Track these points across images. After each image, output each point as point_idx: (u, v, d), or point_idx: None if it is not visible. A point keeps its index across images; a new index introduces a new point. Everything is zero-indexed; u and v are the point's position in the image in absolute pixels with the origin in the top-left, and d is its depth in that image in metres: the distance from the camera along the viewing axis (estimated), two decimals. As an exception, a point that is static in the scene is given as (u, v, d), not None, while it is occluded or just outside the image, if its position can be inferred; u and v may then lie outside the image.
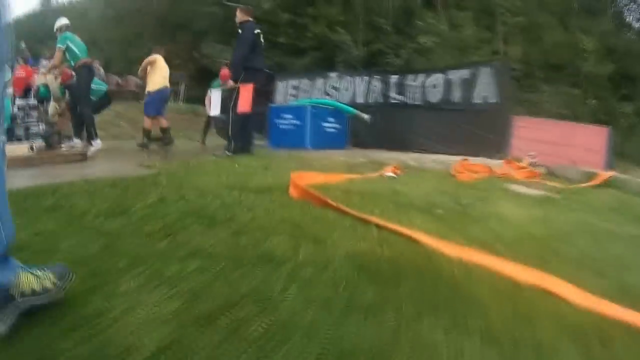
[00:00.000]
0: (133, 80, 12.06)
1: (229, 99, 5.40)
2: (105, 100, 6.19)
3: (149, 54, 6.32)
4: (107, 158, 4.82)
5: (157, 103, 6.18)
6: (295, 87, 10.02)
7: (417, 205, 2.60)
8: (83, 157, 4.62)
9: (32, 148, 4.63)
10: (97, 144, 5.23)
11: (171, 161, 4.41)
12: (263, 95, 7.39)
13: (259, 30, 5.25)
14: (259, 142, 6.68)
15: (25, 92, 7.26)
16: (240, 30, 5.21)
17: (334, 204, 2.26)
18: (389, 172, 4.21)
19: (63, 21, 5.53)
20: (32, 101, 6.93)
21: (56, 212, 1.96)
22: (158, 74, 6.15)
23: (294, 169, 3.53)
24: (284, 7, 15.77)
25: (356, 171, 4.24)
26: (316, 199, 2.38)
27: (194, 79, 15.03)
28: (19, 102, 6.95)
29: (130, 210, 2.00)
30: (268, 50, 7.08)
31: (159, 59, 6.19)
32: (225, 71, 6.94)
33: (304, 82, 9.94)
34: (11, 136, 6.40)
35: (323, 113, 7.62)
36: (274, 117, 7.61)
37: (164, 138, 6.16)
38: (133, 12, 16.33)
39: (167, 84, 6.26)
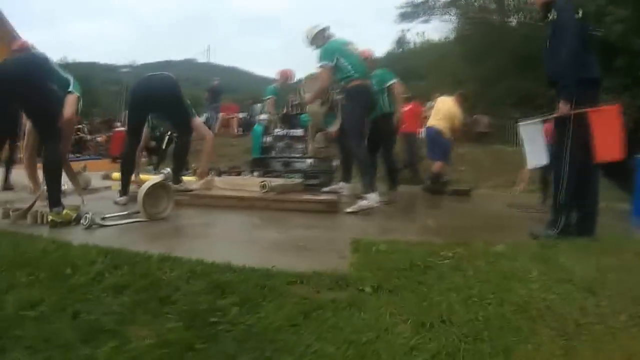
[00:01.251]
0: (484, 119, 11.47)
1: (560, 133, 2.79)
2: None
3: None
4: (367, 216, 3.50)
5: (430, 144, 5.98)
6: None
7: None
8: (331, 206, 3.74)
9: (264, 186, 3.95)
10: (372, 199, 3.59)
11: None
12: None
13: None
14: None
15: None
16: (551, 14, 2.80)
17: None
18: None
19: (317, 28, 4.09)
20: (297, 131, 5.50)
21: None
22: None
23: None
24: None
25: None
26: None
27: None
28: (278, 131, 5.54)
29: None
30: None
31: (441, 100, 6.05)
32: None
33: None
34: (262, 169, 5.21)
35: None
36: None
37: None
38: (491, 50, 14.88)
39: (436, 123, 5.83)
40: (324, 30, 4.09)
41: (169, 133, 7.51)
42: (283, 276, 1.74)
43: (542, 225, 2.93)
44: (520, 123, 3.26)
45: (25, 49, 3.79)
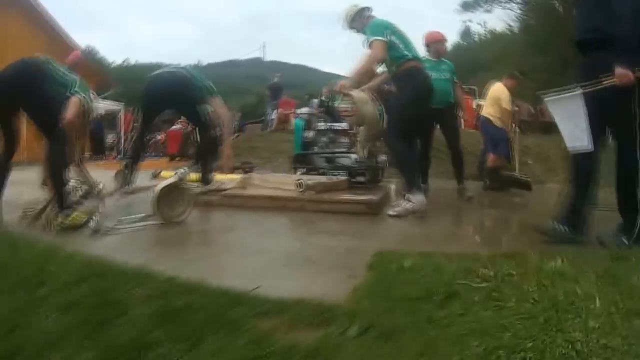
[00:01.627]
0: (526, 107, 11.00)
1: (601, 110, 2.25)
2: None
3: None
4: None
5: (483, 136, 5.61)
6: None
7: None
8: (371, 207, 3.34)
9: (300, 185, 3.61)
10: (417, 200, 3.16)
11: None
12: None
13: None
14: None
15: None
16: None
17: None
18: None
19: (357, 7, 3.58)
20: (343, 124, 5.03)
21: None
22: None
23: None
24: None
25: None
26: None
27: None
28: (321, 125, 5.08)
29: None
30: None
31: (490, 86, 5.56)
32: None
33: None
34: (305, 166, 4.79)
35: None
36: None
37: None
38: (556, 38, 14.69)
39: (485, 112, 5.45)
40: (364, 10, 3.60)
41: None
42: (256, 303, 1.40)
43: (612, 230, 2.31)
44: (549, 97, 2.54)
45: (78, 59, 3.93)
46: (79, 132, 2.82)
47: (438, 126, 4.48)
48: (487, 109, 5.37)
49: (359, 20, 3.58)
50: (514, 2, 16.71)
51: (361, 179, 4.37)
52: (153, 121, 4.27)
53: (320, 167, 4.76)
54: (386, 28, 3.33)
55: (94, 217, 2.59)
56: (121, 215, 2.88)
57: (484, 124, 5.33)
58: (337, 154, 4.77)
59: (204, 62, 45.67)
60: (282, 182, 3.98)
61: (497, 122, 5.20)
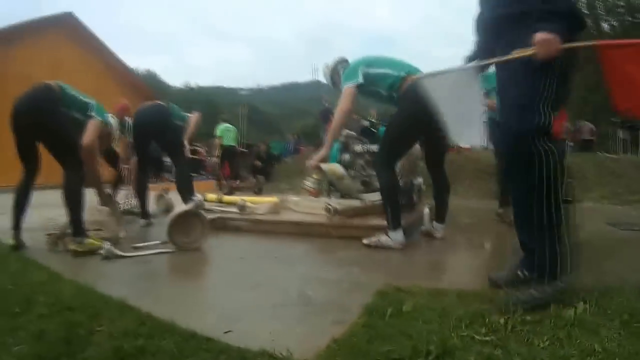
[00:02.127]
0: (587, 127, 11.03)
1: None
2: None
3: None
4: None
5: None
6: None
7: None
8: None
9: (329, 209, 3.47)
10: (396, 238, 2.90)
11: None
12: None
13: None
14: None
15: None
16: None
17: None
18: None
19: (333, 63, 3.45)
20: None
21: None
22: None
23: None
24: None
25: None
26: None
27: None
28: (358, 147, 4.73)
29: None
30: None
31: None
32: None
33: None
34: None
35: None
36: None
37: None
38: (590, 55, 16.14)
39: None
40: (336, 65, 3.40)
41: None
42: (218, 350, 1.28)
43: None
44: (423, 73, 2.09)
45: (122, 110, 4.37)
46: (92, 157, 2.88)
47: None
48: None
49: (336, 77, 3.37)
50: None
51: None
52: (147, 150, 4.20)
53: (355, 191, 4.62)
54: (359, 65, 3.03)
55: (106, 244, 2.62)
56: (139, 241, 2.90)
57: None
58: (373, 177, 4.62)
59: (264, 85, 47.53)
60: (315, 206, 3.86)
61: None
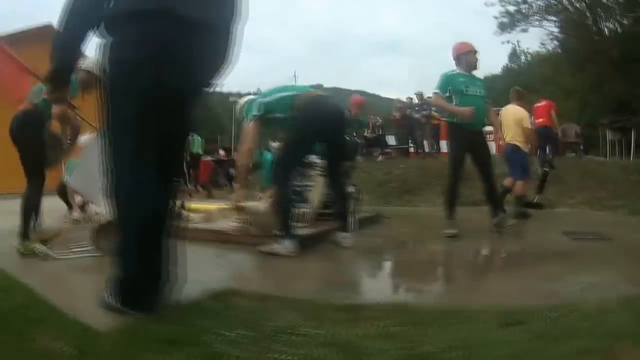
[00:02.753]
0: (572, 129, 10.40)
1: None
2: None
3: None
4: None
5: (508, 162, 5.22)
6: None
7: None
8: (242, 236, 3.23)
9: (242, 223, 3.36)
10: (286, 246, 2.91)
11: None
12: None
13: None
14: None
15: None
16: None
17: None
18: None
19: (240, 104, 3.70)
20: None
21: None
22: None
23: None
24: None
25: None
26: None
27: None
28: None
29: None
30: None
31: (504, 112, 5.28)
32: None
33: None
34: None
35: None
36: None
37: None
38: (592, 55, 14.58)
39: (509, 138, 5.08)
40: (251, 100, 3.45)
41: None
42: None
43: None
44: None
45: None
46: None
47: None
48: (511, 134, 5.03)
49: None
50: (548, 20, 16.03)
51: (327, 211, 4.06)
52: None
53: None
54: (256, 100, 3.17)
55: (39, 247, 2.81)
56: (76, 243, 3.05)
57: (513, 152, 5.02)
58: (305, 187, 4.40)
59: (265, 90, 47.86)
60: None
61: (524, 147, 5.06)
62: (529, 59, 21.93)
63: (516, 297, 2.00)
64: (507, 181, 5.14)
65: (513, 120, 5.02)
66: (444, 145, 10.36)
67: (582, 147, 10.28)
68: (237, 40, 1.75)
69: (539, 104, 7.52)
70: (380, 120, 10.31)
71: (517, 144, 5.02)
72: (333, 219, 3.64)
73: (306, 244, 3.08)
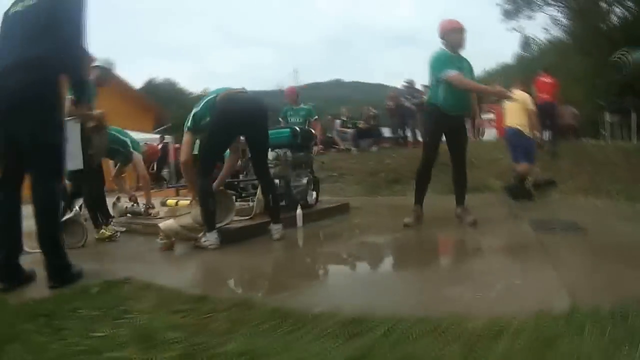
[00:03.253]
0: (568, 110, 10.01)
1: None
2: None
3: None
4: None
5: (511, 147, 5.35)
6: None
7: None
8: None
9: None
10: (211, 239, 3.06)
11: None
12: None
13: None
14: None
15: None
16: None
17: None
18: None
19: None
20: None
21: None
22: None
23: None
24: None
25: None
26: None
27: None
28: None
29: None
30: None
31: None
32: None
33: None
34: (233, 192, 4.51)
35: None
36: None
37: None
38: (597, 40, 14.39)
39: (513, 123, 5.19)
40: None
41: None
42: None
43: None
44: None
45: None
46: None
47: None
48: (515, 119, 5.19)
49: None
50: (554, 6, 15.50)
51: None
52: None
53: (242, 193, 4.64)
54: (193, 108, 3.32)
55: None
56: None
57: (516, 136, 5.14)
58: (250, 181, 4.52)
59: (285, 87, 47.75)
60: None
61: (527, 131, 5.11)
62: (541, 46, 21.36)
63: (390, 304, 1.74)
64: (517, 167, 5.15)
65: (516, 104, 4.96)
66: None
67: (575, 130, 10.01)
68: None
69: (545, 79, 7.40)
70: (374, 111, 10.24)
71: (520, 128, 5.06)
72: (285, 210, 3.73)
73: (236, 237, 3.21)
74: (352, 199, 6.49)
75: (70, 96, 2.41)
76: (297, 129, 4.29)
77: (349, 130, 9.85)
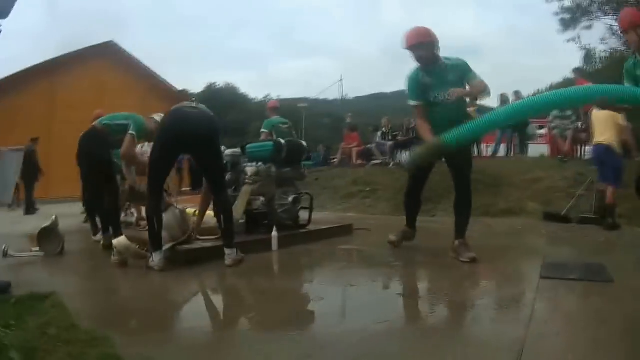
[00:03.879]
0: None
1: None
2: None
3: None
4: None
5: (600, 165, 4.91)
6: None
7: None
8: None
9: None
10: (156, 259, 2.93)
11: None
12: None
13: None
14: None
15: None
16: None
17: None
18: None
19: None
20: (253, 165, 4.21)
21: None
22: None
23: None
24: None
25: None
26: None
27: None
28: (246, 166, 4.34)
29: None
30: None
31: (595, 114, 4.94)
32: None
33: None
34: None
35: None
36: None
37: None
38: None
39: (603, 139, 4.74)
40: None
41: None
42: None
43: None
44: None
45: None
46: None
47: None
48: (605, 136, 4.68)
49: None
50: (611, 15, 13.93)
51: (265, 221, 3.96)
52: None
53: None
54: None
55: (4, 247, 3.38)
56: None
57: (607, 153, 4.68)
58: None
59: (350, 96, 48.78)
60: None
61: (619, 149, 4.71)
62: (602, 58, 19.57)
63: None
64: (600, 186, 4.82)
65: (606, 120, 4.58)
66: (483, 149, 9.57)
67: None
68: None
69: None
70: (414, 123, 9.77)
71: (613, 144, 4.60)
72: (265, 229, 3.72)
73: (191, 259, 3.07)
74: (374, 217, 6.16)
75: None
76: (282, 142, 3.96)
77: (388, 142, 9.51)
